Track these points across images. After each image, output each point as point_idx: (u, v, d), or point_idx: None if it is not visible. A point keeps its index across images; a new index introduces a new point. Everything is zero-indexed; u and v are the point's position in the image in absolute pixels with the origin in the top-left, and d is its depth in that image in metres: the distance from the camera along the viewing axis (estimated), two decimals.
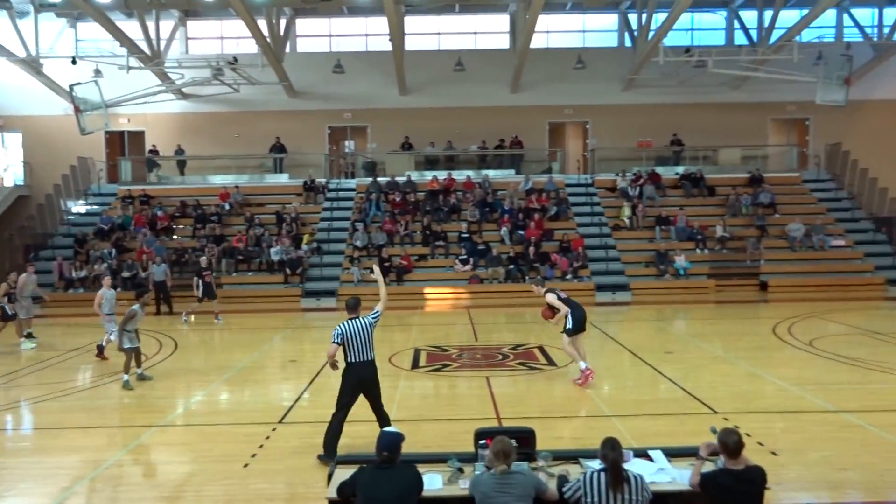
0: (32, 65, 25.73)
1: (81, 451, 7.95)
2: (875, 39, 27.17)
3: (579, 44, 28.52)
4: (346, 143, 29.37)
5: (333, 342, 7.24)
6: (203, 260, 18.05)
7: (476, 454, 5.42)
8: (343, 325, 7.29)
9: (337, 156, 28.94)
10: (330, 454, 7.04)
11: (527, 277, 21.60)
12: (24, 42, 25.35)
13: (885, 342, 13.40)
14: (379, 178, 26.03)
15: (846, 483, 6.65)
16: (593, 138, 28.38)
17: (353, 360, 7.27)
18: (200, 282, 17.13)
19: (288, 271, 21.90)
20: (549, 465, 5.35)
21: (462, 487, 5.04)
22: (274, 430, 8.45)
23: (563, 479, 4.93)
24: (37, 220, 25.81)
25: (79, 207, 26.49)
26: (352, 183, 26.78)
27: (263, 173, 27.64)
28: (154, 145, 27.68)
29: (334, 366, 7.38)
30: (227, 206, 24.97)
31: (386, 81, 27.55)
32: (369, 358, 7.33)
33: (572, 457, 5.54)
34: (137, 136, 28.55)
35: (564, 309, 10.20)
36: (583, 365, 10.25)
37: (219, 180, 26.77)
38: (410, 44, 27.21)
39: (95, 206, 26.25)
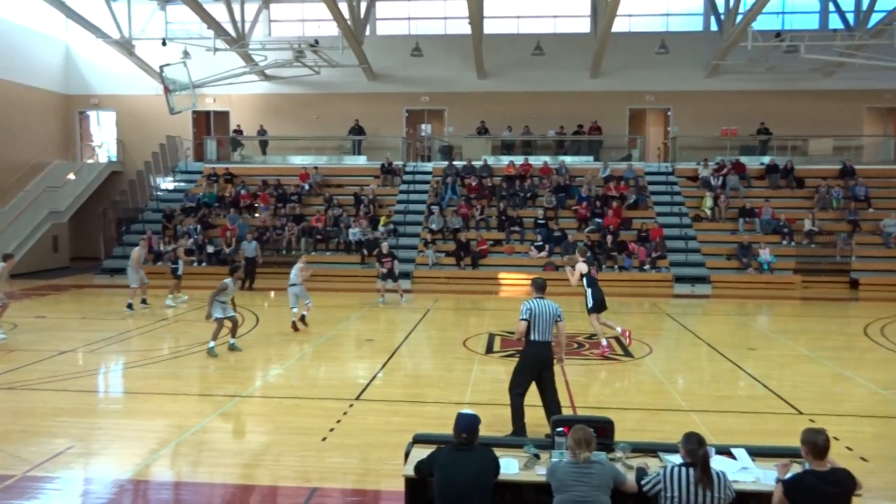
0: (125, 46, 26.82)
1: (169, 416, 8.34)
2: None
3: (662, 28, 27.74)
4: (423, 126, 29.53)
5: (522, 318, 7.27)
6: (384, 246, 18.07)
7: (552, 441, 5.41)
8: (531, 302, 7.31)
9: (414, 139, 29.13)
10: (520, 435, 7.13)
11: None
12: (118, 24, 26.43)
13: None
14: (455, 162, 26.09)
15: None
16: (675, 126, 27.61)
17: (535, 338, 7.28)
18: (380, 266, 17.40)
19: (365, 252, 22.26)
20: (627, 457, 5.29)
21: (539, 474, 5.04)
22: (351, 406, 8.64)
23: (641, 472, 4.87)
24: (128, 195, 27.00)
25: (167, 184, 27.61)
26: (428, 166, 26.93)
27: (342, 155, 28.10)
28: (238, 125, 28.52)
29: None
30: (307, 187, 25.54)
31: (464, 65, 27.51)
32: (549, 339, 7.34)
33: (651, 450, 5.45)
34: (222, 116, 29.47)
35: (574, 281, 11.40)
36: (607, 338, 11.70)
37: (299, 161, 27.37)
38: (489, 27, 27.03)
39: (182, 184, 27.30)
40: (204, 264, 22.40)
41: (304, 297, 13.85)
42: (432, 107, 28.66)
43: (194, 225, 23.74)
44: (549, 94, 27.48)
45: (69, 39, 28.69)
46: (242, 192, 25.42)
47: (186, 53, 25.84)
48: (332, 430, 7.79)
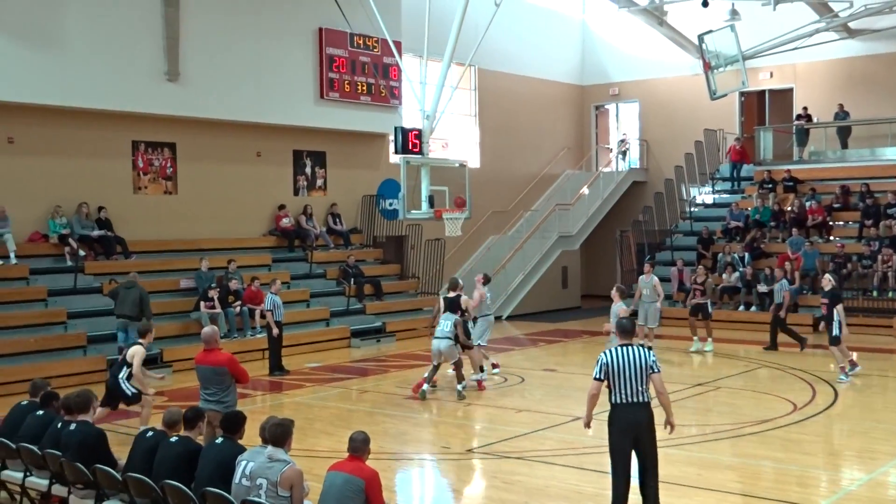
0: (655, 14, 28.87)
1: None
2: None
3: None
4: None
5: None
6: None
7: None
8: None
9: None
10: None
11: None
12: None
13: None
14: None
15: None
16: None
17: None
18: None
19: None
20: None
21: None
22: None
23: None
24: (653, 212, 28.85)
25: (704, 196, 28.76)
26: None
27: None
28: (805, 108, 28.22)
29: None
30: None
31: None
32: None
33: None
34: (782, 97, 29.55)
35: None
36: None
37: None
38: None
39: (725, 195, 28.15)
40: (754, 309, 22.58)
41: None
42: None
43: (741, 252, 24.16)
44: None
45: (586, 17, 32.20)
46: (810, 204, 25.04)
47: (735, 13, 26.59)
48: None
